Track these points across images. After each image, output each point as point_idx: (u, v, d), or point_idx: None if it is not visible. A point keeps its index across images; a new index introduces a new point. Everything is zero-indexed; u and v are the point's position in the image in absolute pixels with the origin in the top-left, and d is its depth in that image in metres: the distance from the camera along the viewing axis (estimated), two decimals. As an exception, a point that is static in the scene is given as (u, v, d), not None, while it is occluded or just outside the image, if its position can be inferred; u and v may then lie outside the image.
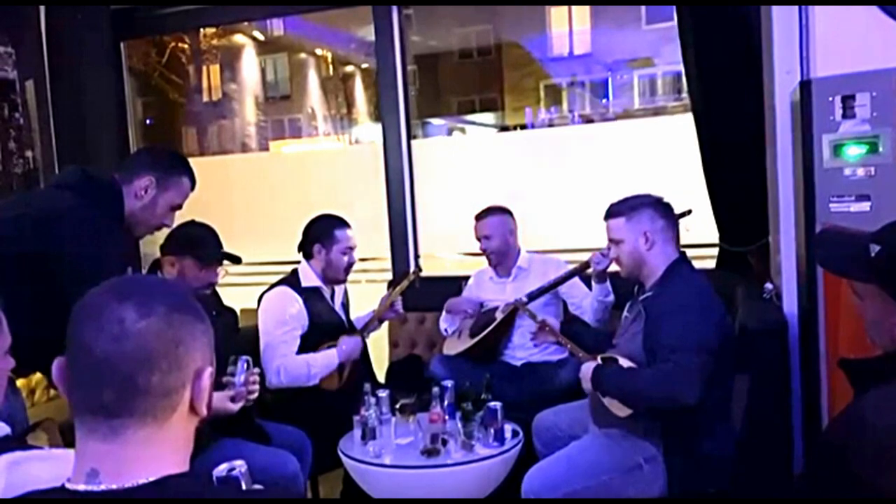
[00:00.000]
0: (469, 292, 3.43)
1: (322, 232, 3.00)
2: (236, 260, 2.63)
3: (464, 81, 19.29)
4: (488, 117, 19.13)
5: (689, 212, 3.02)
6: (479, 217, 3.28)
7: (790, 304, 2.58)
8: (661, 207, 2.34)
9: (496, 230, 3.23)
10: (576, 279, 3.16)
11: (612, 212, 2.36)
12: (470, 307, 3.33)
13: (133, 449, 0.84)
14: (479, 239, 3.28)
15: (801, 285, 2.52)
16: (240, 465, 0.89)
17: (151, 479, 0.83)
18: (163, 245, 2.56)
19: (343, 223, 3.04)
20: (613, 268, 2.62)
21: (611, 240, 2.39)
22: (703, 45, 2.99)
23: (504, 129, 18.24)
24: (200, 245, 2.52)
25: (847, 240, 1.33)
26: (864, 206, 2.24)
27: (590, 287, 3.08)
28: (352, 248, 3.02)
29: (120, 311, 0.84)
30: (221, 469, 0.89)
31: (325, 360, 2.88)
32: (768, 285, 2.72)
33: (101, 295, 0.87)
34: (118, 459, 0.84)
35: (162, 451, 0.86)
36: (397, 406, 2.62)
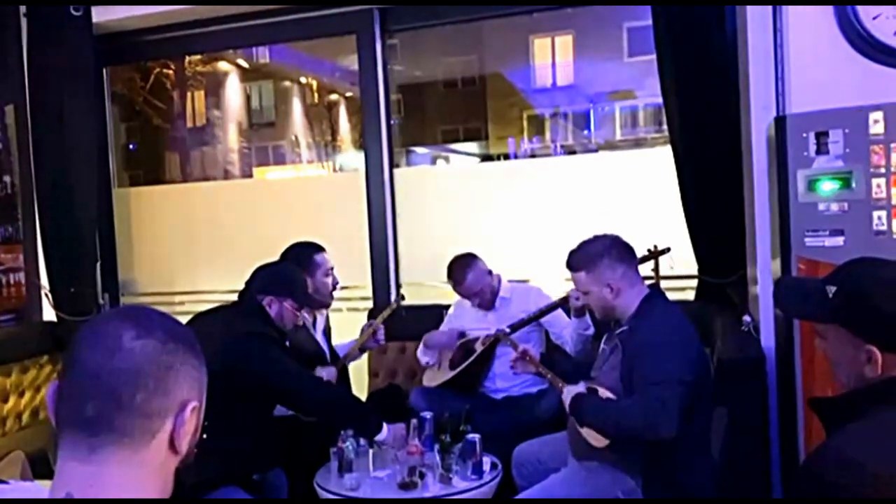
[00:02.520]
0: (450, 322, 3.42)
1: (301, 260, 2.98)
2: (323, 306, 3.04)
3: (448, 111, 19.41)
4: (472, 146, 19.25)
5: (668, 250, 3.05)
6: (449, 275, 3.26)
7: (767, 337, 2.60)
8: (615, 251, 2.31)
9: (472, 286, 3.20)
10: (558, 309, 3.17)
11: (572, 266, 2.36)
12: (448, 340, 3.30)
13: (109, 472, 0.84)
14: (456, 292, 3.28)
15: (778, 318, 2.54)
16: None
17: None
18: (257, 284, 2.58)
19: (319, 248, 3.05)
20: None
21: (578, 290, 2.42)
22: (681, 80, 3.04)
23: (487, 158, 18.35)
24: (299, 288, 2.63)
25: (804, 285, 1.38)
26: (838, 240, 2.27)
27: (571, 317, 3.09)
28: (332, 269, 3.06)
29: (119, 329, 0.87)
30: None
31: None
32: (746, 318, 2.73)
33: (106, 317, 0.92)
34: (94, 483, 0.83)
35: (138, 479, 0.85)
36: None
